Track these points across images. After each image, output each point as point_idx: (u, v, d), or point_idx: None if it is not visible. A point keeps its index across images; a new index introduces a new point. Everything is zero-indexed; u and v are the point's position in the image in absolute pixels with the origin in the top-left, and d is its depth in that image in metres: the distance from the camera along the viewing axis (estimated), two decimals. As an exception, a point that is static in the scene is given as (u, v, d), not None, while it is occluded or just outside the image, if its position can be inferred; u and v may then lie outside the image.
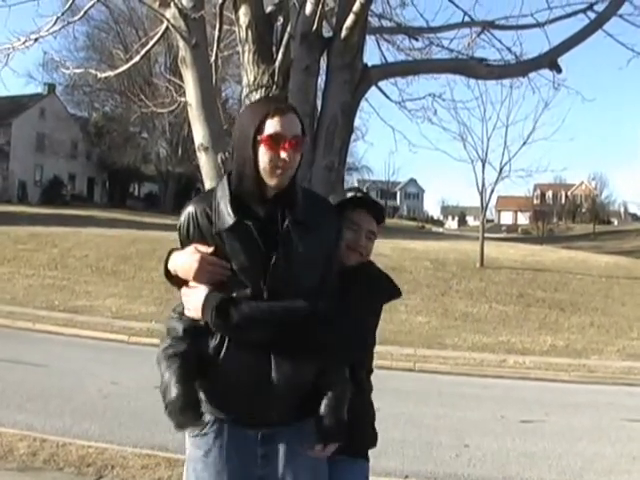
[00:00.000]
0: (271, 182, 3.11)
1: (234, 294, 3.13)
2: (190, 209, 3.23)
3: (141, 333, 18.67)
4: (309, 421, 3.26)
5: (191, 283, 3.22)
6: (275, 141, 3.07)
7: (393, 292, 3.89)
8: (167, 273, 3.34)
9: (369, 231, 3.79)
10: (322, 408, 3.26)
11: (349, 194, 3.83)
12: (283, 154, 3.07)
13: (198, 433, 3.25)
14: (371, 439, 3.86)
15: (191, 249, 3.20)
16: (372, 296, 3.69)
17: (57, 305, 23.10)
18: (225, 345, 3.13)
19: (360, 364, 3.75)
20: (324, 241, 3.24)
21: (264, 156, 3.08)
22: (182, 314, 3.26)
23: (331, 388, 3.29)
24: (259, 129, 3.08)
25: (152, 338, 16.11)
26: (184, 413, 3.11)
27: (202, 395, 3.21)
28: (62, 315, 21.33)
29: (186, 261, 3.19)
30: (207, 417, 3.22)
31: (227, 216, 3.12)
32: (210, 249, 3.16)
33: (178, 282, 3.28)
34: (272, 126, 3.08)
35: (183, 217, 3.25)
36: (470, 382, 16.34)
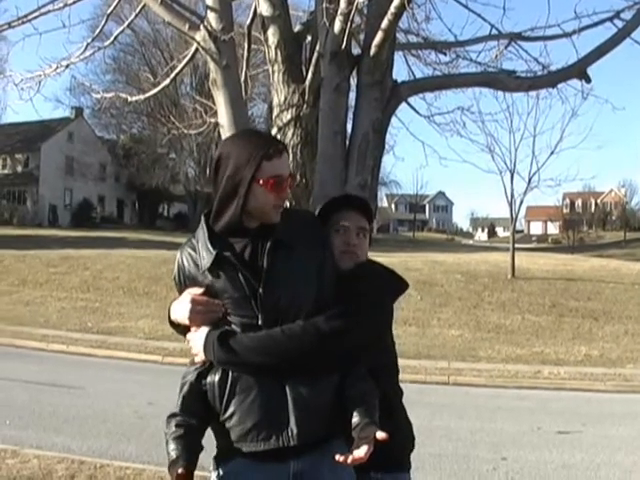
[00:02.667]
0: (264, 218, 3.14)
1: (233, 327, 3.13)
2: (177, 256, 3.29)
3: (175, 353, 18.70)
4: (339, 445, 3.15)
5: (192, 328, 3.25)
6: (277, 184, 3.10)
7: (399, 286, 3.72)
8: (172, 324, 3.37)
9: (359, 228, 3.64)
10: (354, 416, 3.13)
11: None
12: (283, 194, 3.15)
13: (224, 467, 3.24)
14: (408, 443, 3.78)
15: (184, 295, 3.23)
16: (378, 295, 3.52)
17: (90, 327, 23.22)
18: (234, 378, 3.12)
19: (386, 369, 3.67)
20: (310, 256, 3.20)
21: (264, 198, 3.10)
22: (192, 363, 3.29)
23: (359, 397, 3.19)
24: (257, 170, 3.08)
25: (186, 358, 16.11)
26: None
27: (233, 436, 3.16)
28: (95, 337, 21.45)
29: (181, 308, 3.23)
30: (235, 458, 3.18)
31: (207, 253, 3.13)
32: (200, 290, 3.17)
33: (183, 330, 3.31)
34: (272, 168, 3.09)
35: (174, 265, 3.31)
36: (505, 394, 16.24)
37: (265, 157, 3.08)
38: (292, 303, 3.11)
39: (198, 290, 3.19)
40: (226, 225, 3.16)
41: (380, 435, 2.99)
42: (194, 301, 3.17)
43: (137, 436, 10.55)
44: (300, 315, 3.11)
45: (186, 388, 3.25)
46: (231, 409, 3.12)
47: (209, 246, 3.13)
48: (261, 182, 3.08)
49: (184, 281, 3.26)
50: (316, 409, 3.11)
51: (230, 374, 3.11)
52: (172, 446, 3.15)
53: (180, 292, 3.29)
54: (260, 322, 3.08)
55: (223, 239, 3.14)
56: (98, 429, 11.02)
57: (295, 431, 3.07)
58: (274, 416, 3.08)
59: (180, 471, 3.03)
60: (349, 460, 2.96)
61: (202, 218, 3.26)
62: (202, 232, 3.20)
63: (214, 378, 3.15)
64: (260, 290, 3.07)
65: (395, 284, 3.70)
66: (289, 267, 3.12)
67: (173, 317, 3.30)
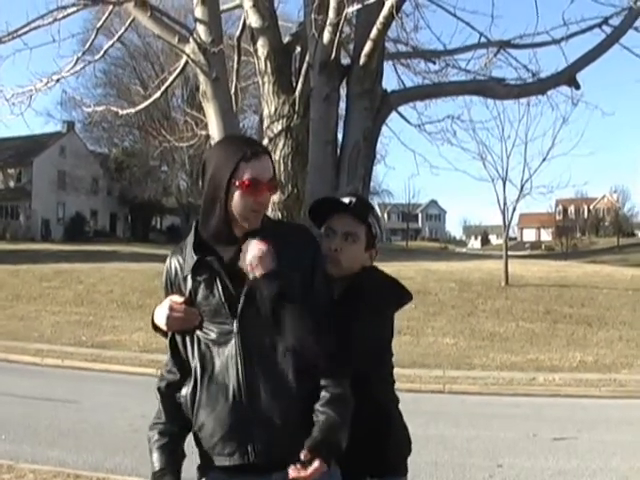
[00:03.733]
0: (244, 224, 3.07)
1: (207, 336, 3.09)
2: (166, 263, 3.26)
3: (169, 365, 18.68)
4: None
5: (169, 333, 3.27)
6: (253, 186, 3.01)
7: (402, 298, 3.68)
8: (155, 327, 3.35)
9: (345, 233, 3.54)
10: (315, 428, 3.01)
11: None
12: (260, 199, 3.05)
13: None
14: (405, 448, 3.72)
15: (166, 301, 3.22)
16: (379, 307, 3.49)
17: (85, 341, 23.21)
18: (202, 391, 3.10)
19: (383, 379, 3.66)
20: (296, 269, 3.10)
21: (241, 200, 3.03)
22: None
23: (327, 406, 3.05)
24: (234, 173, 3.02)
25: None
26: None
27: (202, 447, 3.15)
28: (90, 351, 21.44)
29: (161, 313, 3.22)
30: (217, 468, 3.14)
31: (191, 258, 3.10)
32: (181, 299, 3.15)
33: (165, 334, 3.31)
34: (249, 171, 3.02)
35: (163, 270, 3.29)
36: (500, 402, 16.26)
37: (243, 159, 3.02)
38: (273, 316, 3.01)
39: (179, 298, 3.16)
40: (213, 231, 3.11)
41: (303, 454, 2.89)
42: (172, 308, 3.15)
43: (132, 449, 10.52)
44: (278, 326, 3.01)
45: (161, 402, 3.27)
46: (200, 421, 3.09)
47: (192, 252, 3.10)
48: (237, 184, 3.02)
49: (170, 286, 3.24)
50: (284, 428, 3.00)
51: (199, 385, 3.09)
52: (155, 455, 3.17)
53: (165, 297, 3.27)
54: (235, 329, 3.02)
55: (209, 245, 3.11)
56: (93, 443, 11.00)
57: (258, 448, 3.00)
58: (238, 432, 3.02)
59: None
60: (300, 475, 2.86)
61: (193, 224, 3.23)
62: (190, 238, 3.17)
63: (187, 391, 3.14)
64: (242, 297, 3.01)
65: (398, 296, 3.67)
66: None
67: (155, 321, 3.29)
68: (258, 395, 2.99)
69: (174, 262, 3.22)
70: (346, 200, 3.63)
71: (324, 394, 3.06)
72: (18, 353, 20.63)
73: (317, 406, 3.05)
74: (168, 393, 3.24)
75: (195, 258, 3.07)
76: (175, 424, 3.21)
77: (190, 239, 3.17)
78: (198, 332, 3.12)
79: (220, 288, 3.04)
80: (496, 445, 11.68)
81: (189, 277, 3.12)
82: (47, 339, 23.28)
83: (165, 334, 3.30)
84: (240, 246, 3.06)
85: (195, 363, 3.11)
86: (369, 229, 3.64)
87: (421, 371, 18.62)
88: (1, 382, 16.15)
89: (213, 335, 3.08)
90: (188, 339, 3.17)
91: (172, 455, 3.17)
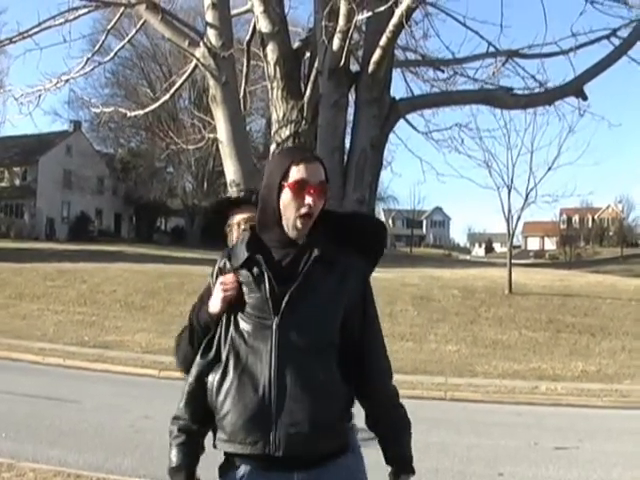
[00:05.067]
0: (292, 233, 3.18)
1: (244, 328, 3.17)
2: (218, 261, 3.36)
3: (171, 367, 18.57)
4: (349, 459, 3.26)
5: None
6: (300, 187, 3.13)
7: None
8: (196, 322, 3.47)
9: (239, 222, 3.87)
10: (385, 434, 3.36)
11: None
12: (308, 199, 3.14)
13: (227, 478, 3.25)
14: None
15: (217, 289, 3.30)
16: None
17: (87, 341, 23.20)
18: (233, 378, 3.15)
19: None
20: (347, 283, 3.23)
21: (288, 201, 3.15)
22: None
23: (384, 406, 3.36)
24: (285, 176, 3.15)
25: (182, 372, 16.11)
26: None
27: (224, 435, 3.18)
28: (92, 351, 21.42)
29: (213, 300, 3.30)
30: (239, 467, 3.20)
31: (242, 254, 3.21)
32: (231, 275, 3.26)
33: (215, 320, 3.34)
34: (297, 172, 3.14)
35: (214, 267, 3.39)
36: (502, 410, 16.23)
37: (293, 163, 3.16)
38: (312, 317, 3.14)
39: (229, 276, 3.27)
40: (267, 233, 3.24)
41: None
42: (224, 282, 3.24)
43: (133, 450, 10.53)
44: (318, 331, 3.15)
45: (187, 389, 3.31)
46: (226, 408, 3.13)
47: (244, 249, 3.21)
48: (286, 185, 3.15)
49: (217, 278, 3.34)
50: (310, 426, 3.07)
51: (230, 373, 3.15)
52: (174, 452, 3.25)
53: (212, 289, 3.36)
54: (274, 325, 3.10)
55: (263, 244, 3.22)
56: (94, 443, 11.00)
57: (281, 441, 3.06)
58: (263, 423, 3.07)
59: None
60: None
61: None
62: (244, 238, 3.30)
63: (215, 377, 3.19)
64: (286, 297, 3.09)
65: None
66: (323, 285, 3.17)
67: (210, 309, 3.31)
68: (287, 390, 3.07)
69: (224, 259, 3.32)
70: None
71: (398, 409, 3.40)
72: (21, 352, 20.62)
73: (393, 420, 3.38)
74: (198, 385, 3.27)
75: (246, 254, 3.18)
76: (196, 422, 3.27)
77: (244, 239, 3.29)
78: (232, 325, 3.20)
79: (267, 285, 3.12)
80: (497, 453, 11.66)
81: (238, 270, 3.21)
82: (50, 338, 23.27)
83: (216, 320, 3.32)
84: (297, 251, 3.19)
85: (226, 352, 3.18)
86: None
87: (423, 378, 18.60)
88: (3, 380, 16.15)
89: (250, 327, 3.16)
90: (223, 329, 3.24)
91: (190, 453, 3.26)
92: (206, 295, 3.45)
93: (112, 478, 8.79)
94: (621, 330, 28.31)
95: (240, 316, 3.18)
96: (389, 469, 3.39)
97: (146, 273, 35.22)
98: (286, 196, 3.14)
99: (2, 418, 12.20)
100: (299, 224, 3.16)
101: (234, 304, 3.20)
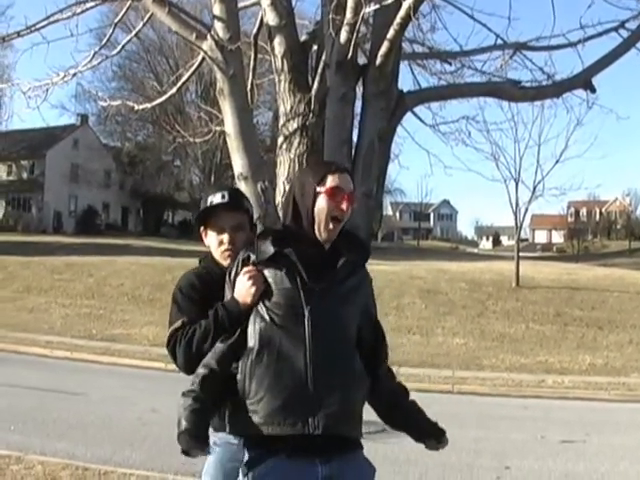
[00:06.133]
0: (323, 234, 3.38)
1: (274, 316, 3.29)
2: (240, 255, 3.49)
3: (179, 360, 18.69)
4: (363, 456, 3.43)
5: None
6: (336, 192, 3.37)
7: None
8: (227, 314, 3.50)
9: (232, 227, 3.91)
10: (408, 413, 3.64)
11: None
12: (343, 205, 3.37)
13: (255, 472, 3.29)
14: None
15: (240, 280, 3.40)
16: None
17: (94, 334, 23.29)
18: (270, 362, 3.24)
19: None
20: (364, 287, 3.52)
21: (324, 205, 3.37)
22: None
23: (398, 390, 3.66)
24: (320, 183, 3.38)
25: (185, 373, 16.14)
26: (189, 443, 3.23)
27: (259, 418, 3.25)
28: (99, 344, 21.51)
29: (242, 289, 3.38)
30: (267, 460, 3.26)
31: (269, 247, 3.35)
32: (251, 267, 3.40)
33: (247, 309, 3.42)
34: (333, 180, 3.38)
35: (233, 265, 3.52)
36: (509, 403, 16.25)
37: (329, 172, 3.42)
38: (339, 311, 3.34)
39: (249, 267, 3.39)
40: (299, 235, 3.40)
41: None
42: (247, 271, 3.35)
43: (141, 443, 10.55)
44: (345, 325, 3.37)
45: (204, 372, 3.37)
46: (262, 392, 3.22)
47: (270, 244, 3.35)
48: (322, 190, 3.37)
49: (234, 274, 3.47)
50: (346, 408, 3.27)
51: (264, 359, 3.24)
52: (186, 414, 3.27)
53: (232, 283, 3.45)
54: (307, 314, 3.24)
55: (288, 242, 3.36)
56: (102, 435, 11.03)
57: (321, 422, 3.19)
58: (302, 405, 3.20)
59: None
60: None
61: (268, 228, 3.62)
62: (267, 235, 3.44)
63: (246, 362, 3.27)
64: (317, 290, 3.27)
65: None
66: (348, 286, 3.40)
67: (243, 299, 3.37)
68: (324, 374, 3.22)
69: (248, 252, 3.44)
70: (218, 197, 3.96)
71: (402, 387, 3.70)
72: (28, 345, 20.72)
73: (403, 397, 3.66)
74: (219, 369, 3.36)
75: (273, 249, 3.33)
76: (209, 398, 3.34)
77: (267, 235, 3.43)
78: (259, 315, 3.32)
79: (300, 276, 3.29)
80: (504, 446, 11.67)
81: (264, 264, 3.35)
82: (57, 331, 23.38)
83: (247, 311, 3.39)
84: (325, 253, 3.41)
85: (256, 339, 3.28)
86: (248, 214, 4.06)
87: (430, 371, 18.63)
88: (11, 373, 16.20)
89: (281, 316, 3.29)
90: (251, 317, 3.34)
91: (204, 418, 3.32)
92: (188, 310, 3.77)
93: (120, 471, 8.79)
94: (629, 323, 28.30)
95: (268, 305, 3.31)
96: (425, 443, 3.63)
97: (153, 266, 35.27)
98: (322, 201, 3.37)
99: (10, 411, 12.24)
100: (331, 226, 3.37)
101: (262, 294, 3.33)
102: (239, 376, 3.30)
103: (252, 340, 3.29)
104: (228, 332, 3.41)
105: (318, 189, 3.37)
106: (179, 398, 3.33)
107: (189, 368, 3.59)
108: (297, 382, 3.20)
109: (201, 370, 3.38)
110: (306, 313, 3.24)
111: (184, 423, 3.25)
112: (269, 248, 3.34)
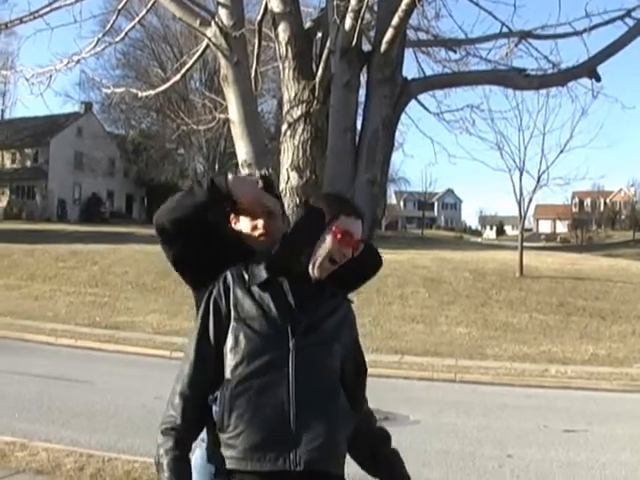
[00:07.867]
0: (315, 271, 3.25)
1: (257, 347, 3.13)
2: (226, 273, 3.31)
3: (183, 348, 18.69)
4: None
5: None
6: (346, 236, 3.25)
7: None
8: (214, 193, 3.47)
9: (268, 212, 3.76)
10: (387, 460, 3.50)
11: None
12: (347, 251, 3.27)
13: None
14: None
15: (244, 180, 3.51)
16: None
17: (99, 322, 23.29)
18: (250, 396, 3.10)
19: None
20: (346, 324, 3.38)
21: (329, 244, 3.24)
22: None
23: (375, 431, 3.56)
24: (333, 219, 3.25)
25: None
26: None
27: (237, 453, 3.09)
28: (104, 332, 21.51)
29: (241, 184, 3.50)
30: None
31: (262, 272, 3.23)
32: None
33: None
34: (348, 223, 3.27)
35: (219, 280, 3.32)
36: (512, 392, 16.24)
37: (345, 211, 3.29)
38: (323, 345, 3.22)
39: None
40: (291, 262, 3.28)
41: None
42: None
43: (145, 430, 10.55)
44: (329, 359, 3.23)
45: (180, 400, 3.21)
46: (241, 426, 3.07)
47: (264, 269, 3.24)
48: (334, 229, 3.24)
49: (227, 300, 3.26)
50: (328, 443, 3.12)
51: (243, 392, 3.10)
52: (167, 461, 3.10)
53: (213, 310, 3.27)
54: (291, 346, 3.12)
55: (280, 269, 3.25)
56: (106, 423, 11.07)
57: (302, 457, 3.05)
58: (284, 440, 3.06)
59: None
60: None
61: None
62: (261, 259, 3.30)
63: (224, 394, 3.11)
64: (303, 323, 3.16)
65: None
66: (331, 319, 3.28)
67: (240, 193, 3.45)
68: (307, 407, 3.08)
69: (237, 274, 3.29)
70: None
71: (384, 432, 3.57)
72: (33, 332, 20.72)
73: (382, 445, 3.54)
74: (198, 398, 3.20)
75: (266, 275, 3.22)
76: (190, 433, 3.22)
77: (261, 260, 3.30)
78: (238, 344, 3.16)
79: (288, 307, 3.18)
80: (506, 435, 11.69)
81: (255, 288, 3.22)
82: (61, 319, 23.38)
83: (232, 204, 3.46)
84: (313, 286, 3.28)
85: (235, 369, 3.13)
86: (280, 200, 4.03)
87: (434, 360, 18.60)
88: (16, 361, 16.24)
89: (262, 346, 3.14)
90: (229, 343, 3.18)
91: (186, 468, 3.14)
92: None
93: (124, 458, 8.82)
94: (632, 314, 28.26)
95: (249, 334, 3.15)
96: None
97: (157, 254, 34.64)
98: (329, 239, 3.24)
99: (15, 399, 12.27)
100: (327, 266, 3.25)
101: (241, 319, 3.18)
102: (216, 408, 3.13)
103: (228, 370, 3.14)
104: (204, 195, 3.39)
105: (329, 226, 3.26)
106: (158, 435, 3.16)
107: (163, 215, 3.57)
108: (279, 416, 3.05)
109: (176, 400, 3.19)
110: (291, 345, 3.11)
111: (166, 474, 3.06)
112: (262, 273, 3.23)
